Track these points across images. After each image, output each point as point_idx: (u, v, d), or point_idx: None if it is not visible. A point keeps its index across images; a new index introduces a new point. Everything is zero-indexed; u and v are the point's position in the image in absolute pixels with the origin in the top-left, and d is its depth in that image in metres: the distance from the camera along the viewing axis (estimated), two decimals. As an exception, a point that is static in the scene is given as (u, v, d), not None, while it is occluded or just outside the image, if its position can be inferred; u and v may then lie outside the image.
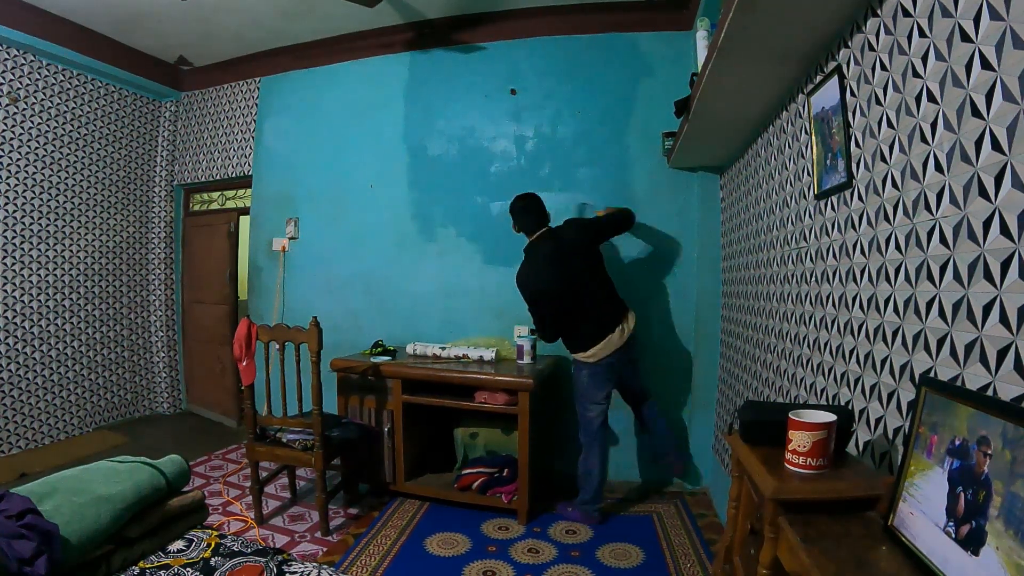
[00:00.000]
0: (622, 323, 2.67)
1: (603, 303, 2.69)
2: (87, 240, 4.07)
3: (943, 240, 1.07)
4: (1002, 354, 0.89)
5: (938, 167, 1.09)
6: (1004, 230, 0.90)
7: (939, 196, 1.08)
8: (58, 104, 3.81)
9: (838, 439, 1.18)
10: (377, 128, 3.83)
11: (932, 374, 1.09)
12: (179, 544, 1.48)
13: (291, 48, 4.05)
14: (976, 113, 0.96)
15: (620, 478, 3.34)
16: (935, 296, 1.09)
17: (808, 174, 1.81)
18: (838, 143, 1.55)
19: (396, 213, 3.77)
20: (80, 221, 4.01)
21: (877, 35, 1.34)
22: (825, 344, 1.66)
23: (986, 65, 0.94)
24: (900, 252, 1.23)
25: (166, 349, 4.62)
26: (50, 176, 3.79)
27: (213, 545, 1.46)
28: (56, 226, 3.85)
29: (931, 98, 1.11)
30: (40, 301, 3.75)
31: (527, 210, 2.75)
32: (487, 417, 2.96)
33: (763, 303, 2.34)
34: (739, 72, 1.86)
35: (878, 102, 1.33)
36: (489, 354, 3.01)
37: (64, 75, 3.83)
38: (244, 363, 2.61)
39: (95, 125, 4.07)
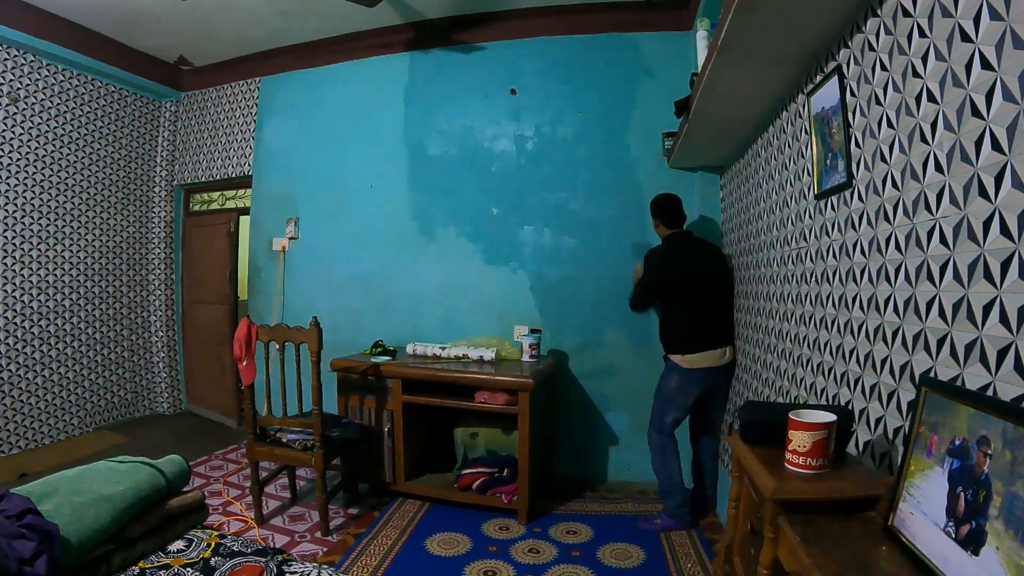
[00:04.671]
0: (725, 347, 2.72)
1: (721, 319, 2.77)
2: (87, 240, 4.06)
3: (943, 240, 1.07)
4: (1002, 354, 0.89)
5: (938, 167, 1.09)
6: (1004, 230, 0.90)
7: (939, 196, 1.08)
8: (58, 104, 3.81)
9: (838, 439, 1.18)
10: (377, 128, 3.83)
11: (932, 374, 1.09)
12: (179, 544, 1.47)
13: (291, 48, 4.05)
14: (976, 113, 0.96)
15: (620, 478, 3.35)
16: (935, 296, 1.09)
17: (808, 174, 1.81)
18: (838, 143, 1.55)
19: (396, 213, 3.77)
20: (80, 221, 4.01)
21: (877, 35, 1.34)
22: (825, 344, 1.66)
23: (986, 65, 0.94)
24: (900, 252, 1.23)
25: (166, 349, 4.62)
26: (50, 176, 3.79)
27: (213, 545, 1.46)
28: (56, 226, 3.85)
29: (931, 98, 1.11)
30: (40, 301, 3.75)
31: (675, 206, 2.84)
32: (487, 417, 2.96)
33: (763, 303, 2.34)
34: (739, 72, 1.86)
35: (878, 102, 1.33)
36: (489, 354, 3.01)
37: (64, 75, 3.83)
38: (244, 363, 2.61)
39: (95, 125, 4.07)
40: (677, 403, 2.71)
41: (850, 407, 1.45)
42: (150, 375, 4.60)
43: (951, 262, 1.04)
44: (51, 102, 3.76)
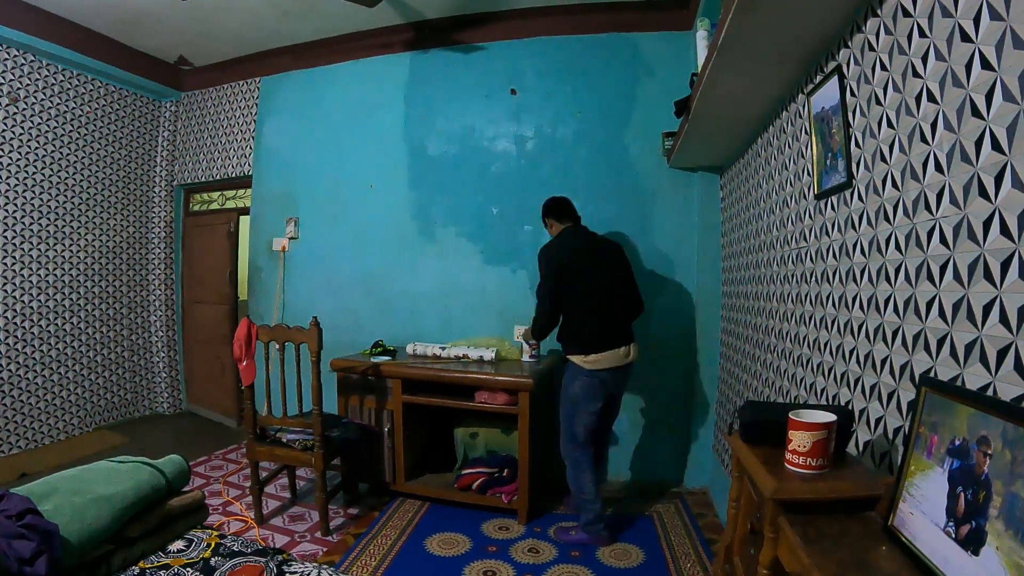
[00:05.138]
0: (629, 345, 2.56)
1: (622, 314, 2.59)
2: (87, 240, 4.06)
3: (943, 240, 1.07)
4: (1002, 354, 0.89)
5: (938, 167, 1.09)
6: (1004, 230, 0.90)
7: (939, 196, 1.08)
8: (58, 104, 3.80)
9: (838, 439, 1.18)
10: (377, 128, 3.83)
11: (932, 374, 1.09)
12: (179, 544, 1.48)
13: (291, 48, 4.05)
14: (976, 113, 0.96)
15: (620, 478, 3.35)
16: (935, 296, 1.09)
17: (808, 174, 1.81)
18: (838, 143, 1.55)
19: (396, 213, 3.77)
20: (80, 221, 4.01)
21: (877, 35, 1.34)
22: (825, 344, 1.66)
23: (986, 65, 0.94)
24: (900, 252, 1.23)
25: (166, 349, 4.62)
26: (50, 176, 3.79)
27: (213, 545, 1.46)
28: (56, 226, 3.85)
29: (931, 98, 1.11)
30: (40, 301, 3.75)
31: (565, 203, 2.70)
32: (487, 417, 2.96)
33: (763, 303, 2.34)
34: (739, 72, 1.86)
35: (878, 102, 1.33)
36: (489, 354, 3.01)
37: (64, 75, 3.83)
38: (244, 363, 2.61)
39: (95, 125, 4.07)
40: (585, 409, 2.51)
41: (850, 407, 1.45)
42: (150, 375, 4.60)
43: (951, 262, 1.04)
44: (51, 102, 3.76)
